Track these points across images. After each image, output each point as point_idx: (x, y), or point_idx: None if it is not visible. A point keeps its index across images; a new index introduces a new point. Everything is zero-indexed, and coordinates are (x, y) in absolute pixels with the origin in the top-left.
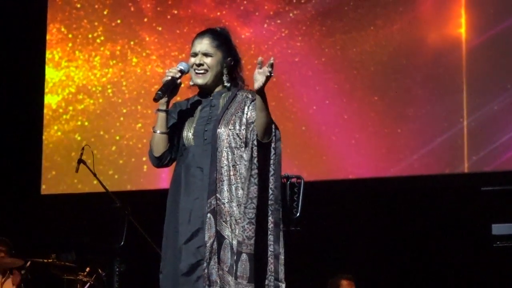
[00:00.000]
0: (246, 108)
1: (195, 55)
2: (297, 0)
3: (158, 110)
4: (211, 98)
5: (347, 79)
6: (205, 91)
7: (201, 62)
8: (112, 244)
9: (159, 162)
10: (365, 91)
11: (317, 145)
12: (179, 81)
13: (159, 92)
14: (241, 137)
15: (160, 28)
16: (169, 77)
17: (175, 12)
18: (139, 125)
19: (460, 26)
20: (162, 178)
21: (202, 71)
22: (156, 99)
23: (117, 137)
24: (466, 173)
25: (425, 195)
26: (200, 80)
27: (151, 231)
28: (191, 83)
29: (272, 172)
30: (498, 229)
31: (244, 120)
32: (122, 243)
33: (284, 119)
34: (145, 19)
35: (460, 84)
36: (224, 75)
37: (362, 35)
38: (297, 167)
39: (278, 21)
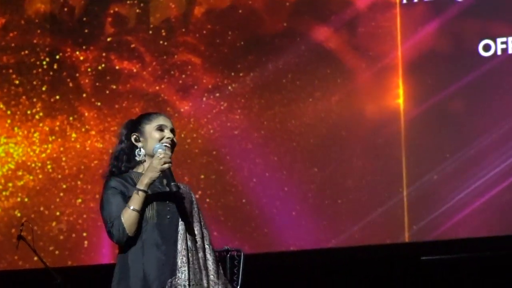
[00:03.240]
0: (193, 206)
1: (162, 128)
2: (235, 73)
3: (140, 190)
4: (160, 180)
5: (287, 151)
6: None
7: (171, 137)
8: None
9: (130, 240)
10: (305, 163)
11: (258, 217)
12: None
13: (173, 183)
14: (194, 226)
15: (99, 104)
16: (170, 163)
17: (114, 87)
18: (79, 200)
19: (398, 97)
20: (103, 254)
21: (170, 145)
22: (175, 190)
23: (57, 213)
24: (406, 242)
25: (366, 265)
26: (169, 152)
27: None
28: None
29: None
30: None
31: (194, 214)
32: None
33: (225, 192)
34: (84, 95)
35: (399, 154)
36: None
37: (301, 108)
38: (239, 240)
39: (217, 95)
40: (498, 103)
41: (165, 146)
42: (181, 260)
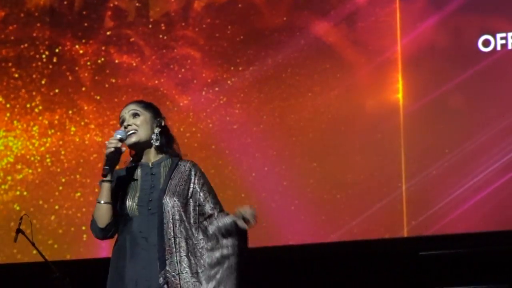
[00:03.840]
0: (191, 184)
1: (123, 120)
2: (234, 68)
3: (103, 181)
4: (151, 166)
5: (286, 146)
6: (143, 157)
7: (130, 123)
8: None
9: (105, 233)
10: (304, 157)
11: (257, 212)
12: (123, 149)
13: (106, 167)
14: (184, 211)
15: (98, 97)
16: (113, 149)
17: (113, 81)
18: (78, 194)
19: (397, 92)
20: (102, 247)
21: (132, 131)
22: (105, 175)
23: (56, 207)
24: (405, 237)
25: (365, 260)
26: (132, 139)
27: None
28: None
29: None
30: None
31: (189, 194)
32: None
33: (224, 186)
34: (83, 88)
35: (399, 149)
36: (154, 134)
37: (300, 102)
38: None
39: (216, 89)
40: (497, 99)
41: (124, 128)
42: (168, 250)
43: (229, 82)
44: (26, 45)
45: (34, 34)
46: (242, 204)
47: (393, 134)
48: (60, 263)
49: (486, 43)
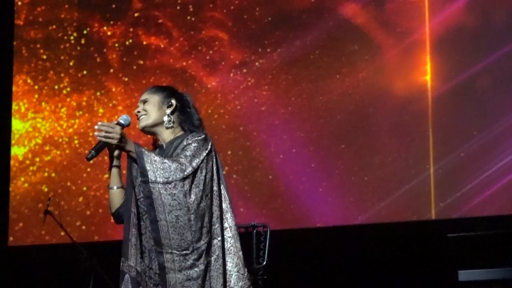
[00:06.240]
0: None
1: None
2: (262, 49)
3: (112, 166)
4: (164, 147)
5: (314, 127)
6: (160, 139)
7: (139, 109)
8: None
9: (116, 218)
10: (332, 139)
11: (285, 194)
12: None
13: (92, 151)
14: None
15: (126, 79)
16: (102, 138)
17: (141, 62)
18: (106, 175)
19: (426, 74)
20: None
21: (142, 116)
22: (88, 159)
23: (84, 188)
24: (433, 220)
25: (393, 242)
26: (141, 124)
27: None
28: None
29: None
30: (464, 275)
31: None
32: None
33: (252, 168)
34: (111, 70)
35: (427, 131)
36: (166, 116)
37: (328, 84)
38: (265, 216)
39: (244, 70)
40: None
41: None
42: (130, 243)
43: (257, 63)
44: (54, 26)
45: (62, 16)
46: (269, 186)
47: (421, 116)
48: (88, 244)
49: None
